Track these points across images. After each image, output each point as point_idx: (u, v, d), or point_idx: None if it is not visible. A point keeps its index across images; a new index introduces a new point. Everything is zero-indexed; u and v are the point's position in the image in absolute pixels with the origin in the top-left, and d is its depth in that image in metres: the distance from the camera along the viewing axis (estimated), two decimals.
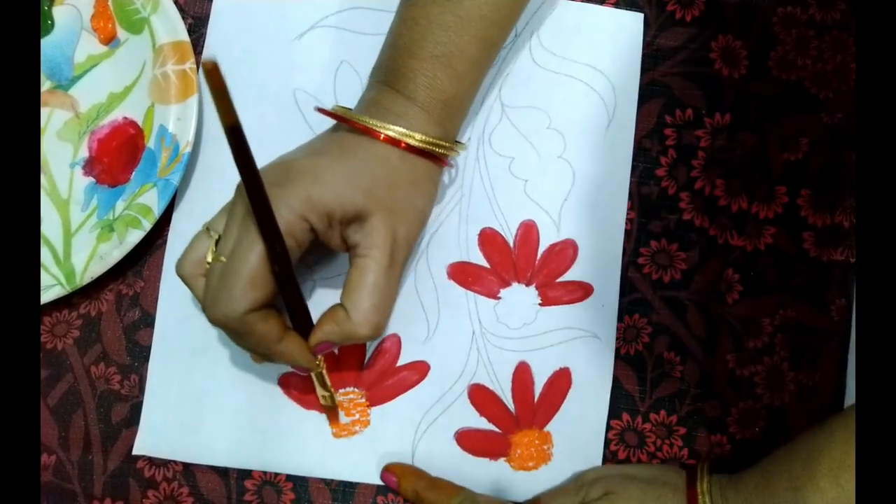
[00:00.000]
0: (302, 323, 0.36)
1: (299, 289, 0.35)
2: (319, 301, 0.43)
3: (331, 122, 0.44)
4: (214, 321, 0.34)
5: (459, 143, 0.40)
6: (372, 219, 0.35)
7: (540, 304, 0.43)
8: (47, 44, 0.44)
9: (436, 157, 0.38)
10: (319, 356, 0.38)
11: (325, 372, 0.39)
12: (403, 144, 0.36)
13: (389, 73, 0.37)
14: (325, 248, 0.38)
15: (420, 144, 0.36)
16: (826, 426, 0.35)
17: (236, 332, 0.34)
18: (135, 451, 0.42)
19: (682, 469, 0.40)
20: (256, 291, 0.33)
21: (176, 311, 0.43)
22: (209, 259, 0.35)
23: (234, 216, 0.34)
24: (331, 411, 0.42)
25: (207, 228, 0.36)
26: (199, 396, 0.42)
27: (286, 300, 0.35)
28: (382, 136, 0.36)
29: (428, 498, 0.40)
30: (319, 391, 0.40)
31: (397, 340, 0.43)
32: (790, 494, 0.34)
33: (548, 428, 0.43)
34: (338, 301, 0.37)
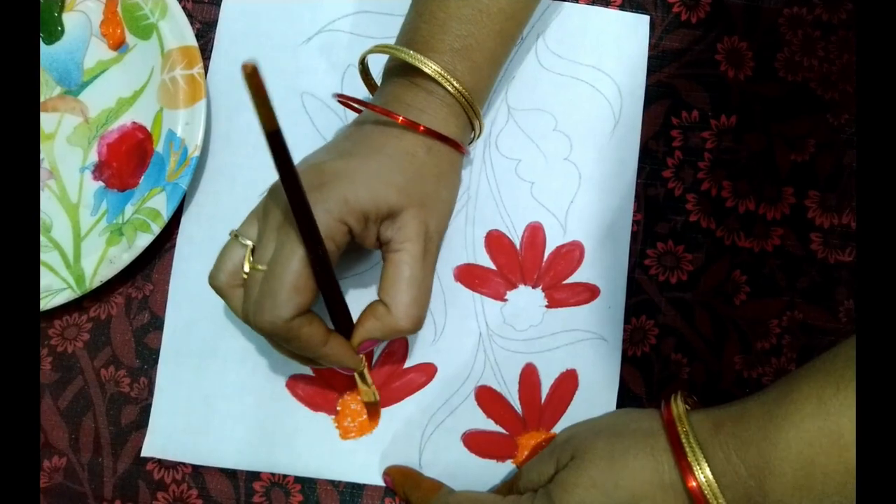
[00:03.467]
0: (343, 323, 0.36)
1: (340, 290, 0.35)
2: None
3: (337, 124, 0.45)
4: (260, 329, 0.34)
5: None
6: (404, 214, 0.35)
7: (546, 306, 0.43)
8: (57, 49, 0.45)
9: (458, 144, 0.38)
10: (361, 354, 0.38)
11: (366, 370, 0.39)
12: (422, 128, 0.36)
13: (409, 68, 0.37)
14: (356, 252, 0.37)
15: (457, 103, 0.37)
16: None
17: (282, 338, 0.34)
18: (143, 454, 0.42)
19: (655, 410, 0.37)
20: (301, 297, 0.33)
21: (184, 314, 0.43)
22: (246, 269, 0.35)
23: (270, 223, 0.34)
24: (372, 407, 0.42)
25: (237, 236, 0.36)
26: (207, 399, 0.42)
27: (328, 302, 0.35)
28: (422, 127, 0.36)
29: (412, 496, 0.40)
30: (362, 387, 0.40)
31: (404, 342, 0.43)
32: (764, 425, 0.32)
33: (555, 430, 0.42)
34: (365, 293, 0.37)
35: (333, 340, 0.35)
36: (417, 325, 0.35)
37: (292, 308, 0.33)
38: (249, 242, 0.36)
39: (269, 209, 0.35)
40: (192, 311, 0.43)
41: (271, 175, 0.43)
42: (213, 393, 0.42)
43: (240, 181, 0.44)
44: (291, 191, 0.30)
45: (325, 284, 0.34)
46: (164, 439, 0.42)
